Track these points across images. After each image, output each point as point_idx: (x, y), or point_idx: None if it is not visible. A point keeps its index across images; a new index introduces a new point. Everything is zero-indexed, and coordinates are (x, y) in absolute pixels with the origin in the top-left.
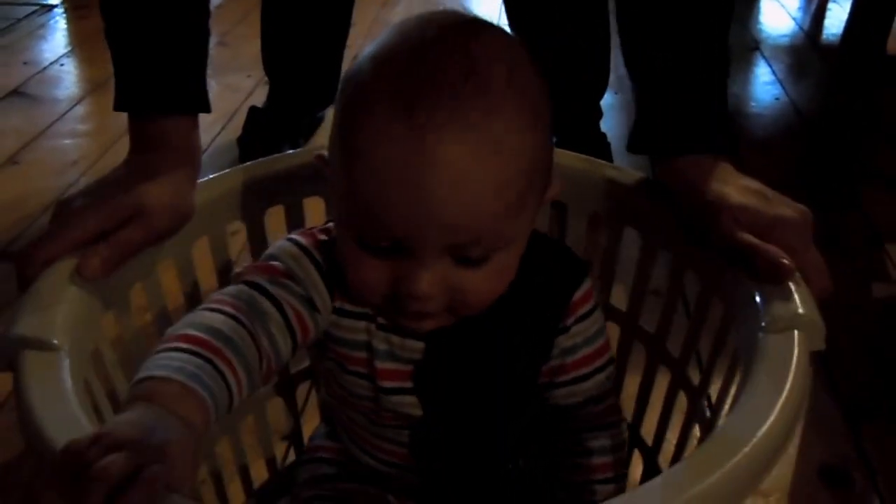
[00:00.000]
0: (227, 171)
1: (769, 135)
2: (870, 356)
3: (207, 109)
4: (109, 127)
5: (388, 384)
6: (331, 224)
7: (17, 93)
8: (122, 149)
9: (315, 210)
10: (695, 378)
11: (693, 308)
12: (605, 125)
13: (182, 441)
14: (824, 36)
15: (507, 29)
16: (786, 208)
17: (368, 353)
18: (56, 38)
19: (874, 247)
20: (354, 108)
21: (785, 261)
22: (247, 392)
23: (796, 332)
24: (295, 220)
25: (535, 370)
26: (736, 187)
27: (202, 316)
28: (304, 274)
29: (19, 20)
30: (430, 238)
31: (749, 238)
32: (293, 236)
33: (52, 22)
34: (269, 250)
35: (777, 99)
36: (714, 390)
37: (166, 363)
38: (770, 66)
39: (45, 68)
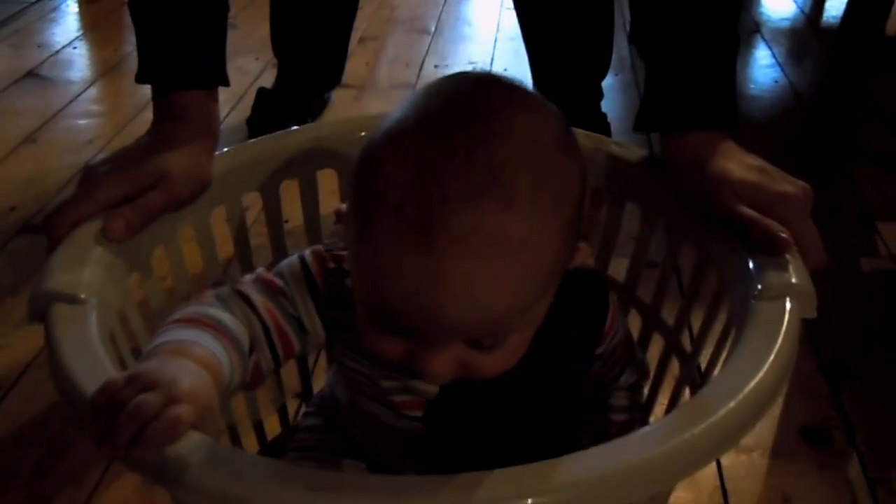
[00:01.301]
0: (245, 142)
1: (767, 116)
2: (853, 323)
3: (226, 83)
4: (123, 107)
5: (398, 412)
6: (344, 252)
7: (32, 75)
8: (136, 128)
9: (329, 181)
10: (687, 345)
11: (689, 278)
12: (605, 106)
13: (206, 388)
14: (825, 19)
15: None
16: (787, 184)
17: (376, 387)
18: (68, 22)
19: (865, 223)
20: (369, 207)
21: (782, 234)
22: (239, 379)
23: (788, 299)
24: (308, 193)
25: (573, 393)
26: (739, 163)
27: (197, 308)
28: (300, 298)
29: (31, 4)
30: (441, 335)
31: (748, 211)
32: (305, 256)
33: (62, 6)
34: (280, 265)
35: (776, 82)
36: (706, 356)
37: (181, 333)
38: (770, 49)
39: (58, 51)
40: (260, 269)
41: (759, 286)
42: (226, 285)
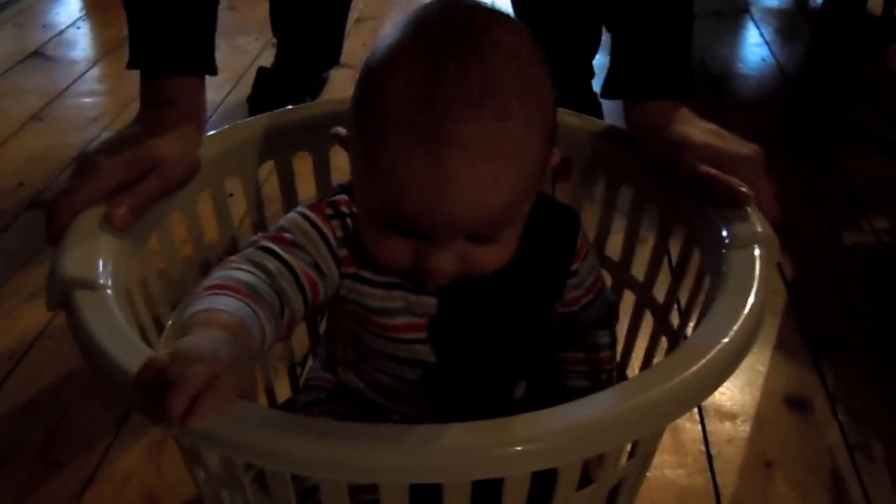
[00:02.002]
0: (253, 118)
1: (755, 94)
2: (835, 297)
3: (214, 72)
4: (126, 86)
5: (403, 336)
6: (338, 198)
7: (37, 54)
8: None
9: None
10: (660, 298)
11: (657, 237)
12: (597, 85)
13: (245, 357)
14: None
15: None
16: (741, 146)
17: (384, 312)
18: (71, 2)
19: (849, 199)
20: (375, 121)
21: (743, 188)
22: (272, 339)
23: (757, 246)
24: (322, 168)
25: (548, 311)
26: (697, 128)
27: (228, 273)
28: (311, 244)
29: None
30: (448, 232)
31: (711, 170)
32: (302, 210)
33: None
34: (280, 222)
35: (764, 60)
36: (679, 311)
37: (211, 302)
38: (759, 28)
39: (62, 31)
40: (260, 234)
41: (729, 237)
42: (249, 247)
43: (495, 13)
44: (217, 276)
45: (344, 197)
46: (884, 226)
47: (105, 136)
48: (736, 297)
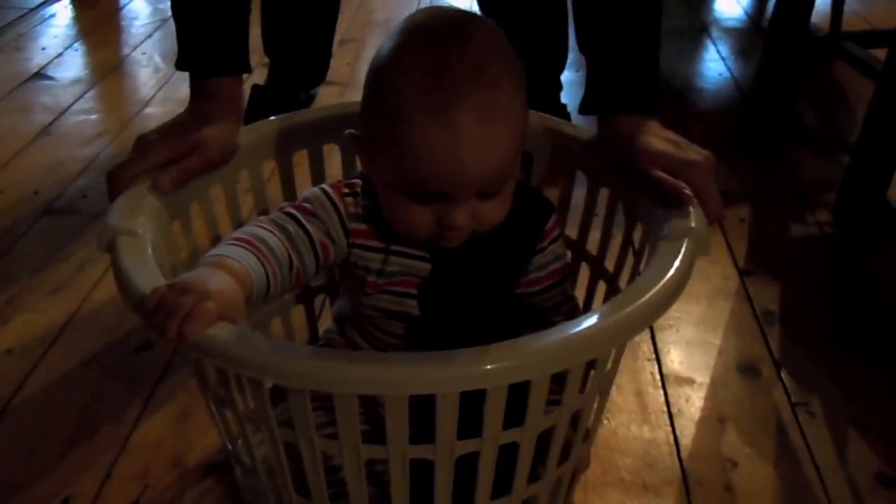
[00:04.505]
0: (267, 119)
1: (712, 106)
2: (782, 280)
3: (249, 70)
4: (127, 103)
5: (397, 289)
6: (354, 180)
7: (40, 74)
8: (140, 122)
9: (332, 154)
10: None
11: (624, 228)
12: (565, 98)
13: (231, 289)
14: (765, 20)
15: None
16: (693, 153)
17: (383, 273)
18: (67, 26)
19: (795, 194)
20: (395, 108)
21: (686, 191)
22: (279, 287)
23: (686, 239)
24: (316, 163)
25: (515, 281)
26: (657, 137)
27: (252, 229)
28: (327, 216)
29: (32, 10)
30: (464, 190)
31: (660, 174)
32: (324, 186)
33: (61, 11)
34: (305, 194)
35: (720, 75)
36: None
37: (226, 250)
38: (716, 46)
39: (61, 54)
40: (287, 203)
41: (666, 230)
42: (278, 211)
43: (464, 11)
44: (243, 230)
45: (358, 181)
46: (825, 218)
47: (111, 149)
48: (656, 273)
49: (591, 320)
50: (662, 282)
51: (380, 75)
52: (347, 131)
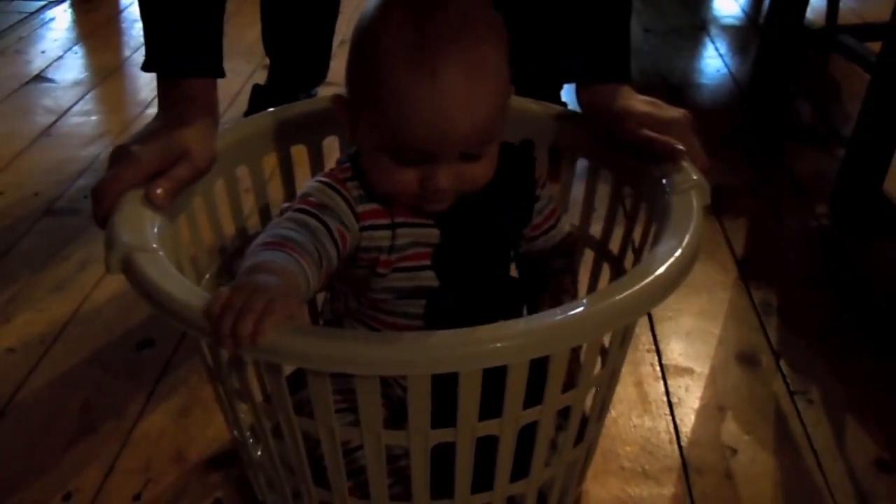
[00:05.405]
0: (263, 112)
1: (711, 102)
2: (780, 271)
3: (221, 74)
4: (127, 105)
5: (412, 263)
6: (344, 166)
7: (40, 77)
8: (141, 123)
9: (330, 146)
10: (615, 249)
11: (611, 198)
12: (565, 97)
13: (288, 286)
14: (762, 18)
15: None
16: (673, 111)
17: (395, 249)
18: (67, 29)
19: (793, 188)
20: (380, 66)
21: (678, 145)
22: (316, 283)
23: (693, 191)
24: (315, 156)
25: (521, 232)
26: (637, 101)
27: (277, 231)
28: (334, 203)
29: (32, 13)
30: (449, 148)
31: (649, 133)
32: (321, 178)
33: (60, 15)
34: (303, 190)
35: (718, 71)
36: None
37: (262, 256)
38: (714, 43)
39: (61, 56)
40: (293, 201)
41: (669, 185)
42: (286, 211)
43: None
44: (268, 234)
45: (347, 165)
46: (823, 210)
47: (111, 150)
48: (679, 232)
49: (622, 283)
50: (691, 230)
51: (364, 35)
52: (334, 94)
